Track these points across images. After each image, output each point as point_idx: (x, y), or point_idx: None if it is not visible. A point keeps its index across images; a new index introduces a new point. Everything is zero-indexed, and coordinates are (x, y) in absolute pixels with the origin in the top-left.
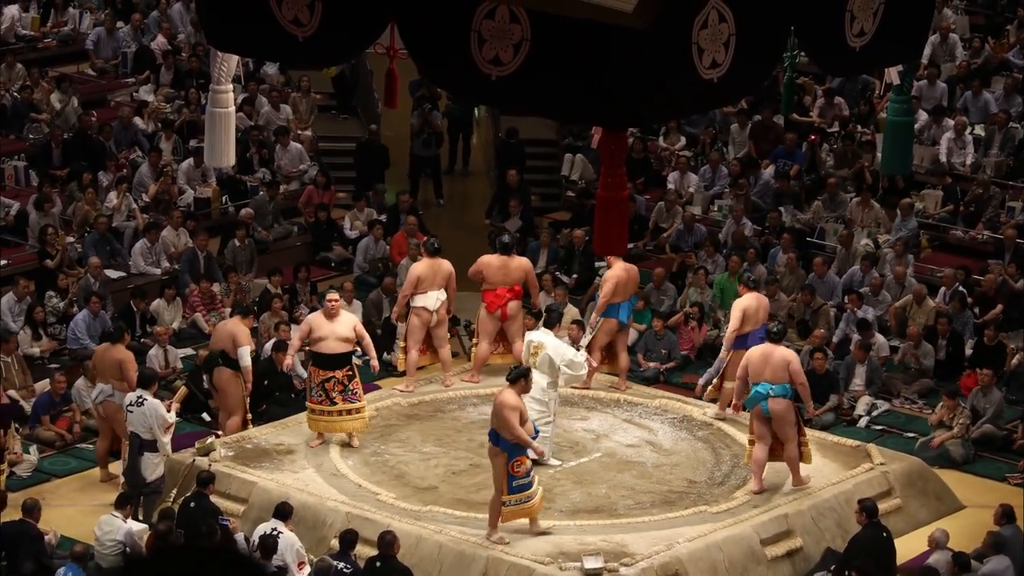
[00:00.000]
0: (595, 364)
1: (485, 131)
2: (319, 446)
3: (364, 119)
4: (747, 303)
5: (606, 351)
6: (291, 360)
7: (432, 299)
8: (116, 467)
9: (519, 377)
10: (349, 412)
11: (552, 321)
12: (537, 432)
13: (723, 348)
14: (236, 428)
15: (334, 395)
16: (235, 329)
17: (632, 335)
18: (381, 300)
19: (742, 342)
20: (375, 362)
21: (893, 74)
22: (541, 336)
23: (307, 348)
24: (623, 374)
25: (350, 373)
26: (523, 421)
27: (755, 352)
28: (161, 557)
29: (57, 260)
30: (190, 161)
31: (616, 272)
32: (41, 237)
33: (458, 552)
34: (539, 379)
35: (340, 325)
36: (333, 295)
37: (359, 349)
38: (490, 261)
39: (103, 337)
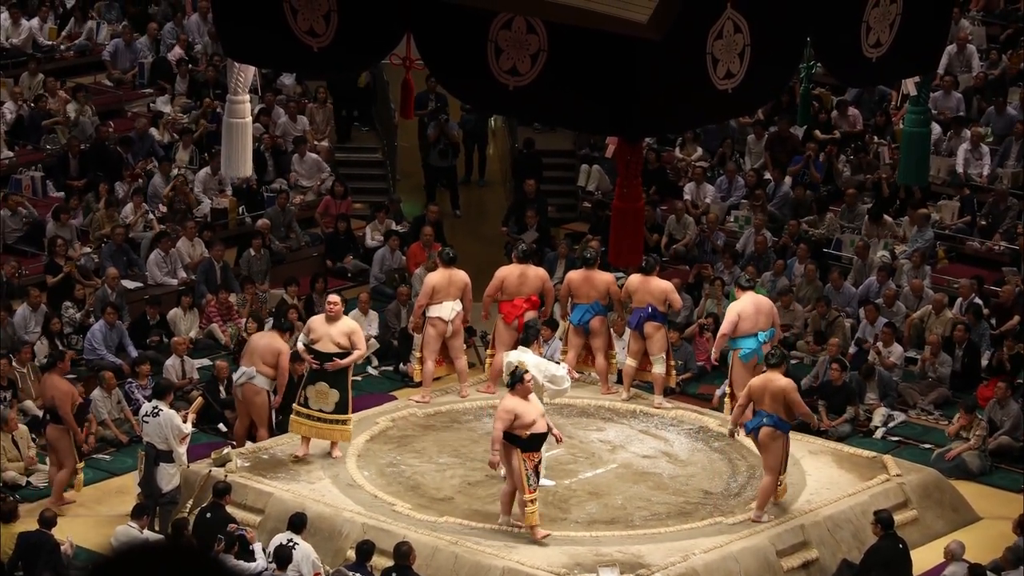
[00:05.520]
0: (576, 376)
1: (501, 142)
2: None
3: (382, 130)
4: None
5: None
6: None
7: (447, 309)
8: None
9: (782, 361)
10: None
11: (530, 338)
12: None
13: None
14: None
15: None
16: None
17: None
18: (399, 310)
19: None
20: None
21: (910, 85)
22: (519, 355)
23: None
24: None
25: None
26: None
27: (746, 305)
28: (122, 557)
29: (59, 280)
30: (207, 170)
31: (742, 304)
32: (50, 248)
33: (474, 563)
34: None
35: (535, 403)
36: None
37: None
38: (508, 272)
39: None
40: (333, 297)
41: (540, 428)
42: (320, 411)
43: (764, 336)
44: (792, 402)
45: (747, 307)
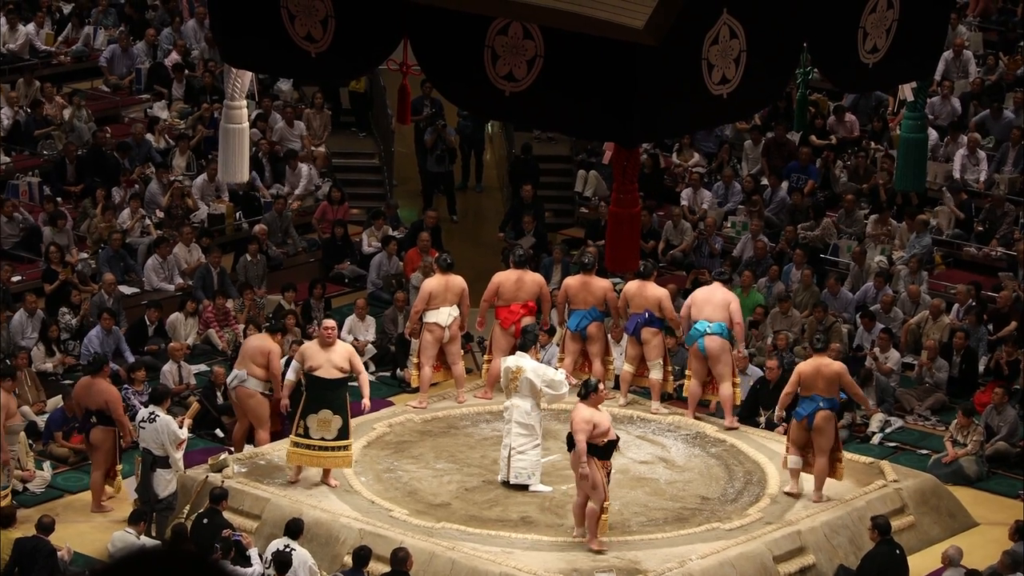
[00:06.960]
0: (573, 381)
1: (499, 147)
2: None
3: (379, 136)
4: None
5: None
6: None
7: (444, 315)
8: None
9: (827, 345)
10: None
11: (527, 343)
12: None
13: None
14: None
15: None
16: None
17: None
18: (396, 316)
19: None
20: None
21: (907, 91)
22: (518, 360)
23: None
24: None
25: None
26: None
27: (700, 292)
28: (119, 563)
29: (56, 286)
30: (204, 176)
31: (698, 292)
32: (46, 255)
33: (471, 568)
34: (521, 403)
35: (605, 411)
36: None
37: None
38: (505, 277)
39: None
40: (329, 322)
41: (613, 435)
42: (322, 439)
43: (707, 326)
44: (847, 384)
45: (699, 295)
